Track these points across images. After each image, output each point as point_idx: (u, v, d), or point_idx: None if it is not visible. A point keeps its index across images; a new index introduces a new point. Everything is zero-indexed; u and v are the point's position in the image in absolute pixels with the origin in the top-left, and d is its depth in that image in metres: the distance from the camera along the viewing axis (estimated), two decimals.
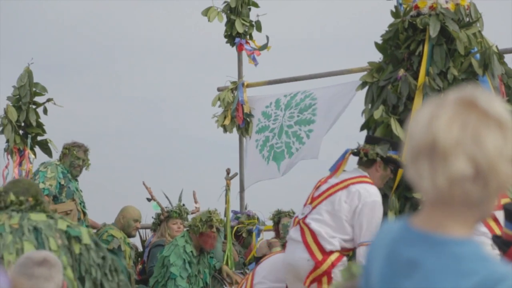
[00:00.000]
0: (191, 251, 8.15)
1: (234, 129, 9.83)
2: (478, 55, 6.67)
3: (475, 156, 1.87)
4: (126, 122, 17.54)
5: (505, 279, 1.85)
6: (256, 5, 10.24)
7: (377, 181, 6.26)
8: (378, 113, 6.60)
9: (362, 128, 6.96)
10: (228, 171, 9.48)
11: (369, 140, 6.35)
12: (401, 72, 6.62)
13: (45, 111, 9.88)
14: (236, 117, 9.75)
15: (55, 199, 8.45)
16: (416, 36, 6.73)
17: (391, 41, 6.84)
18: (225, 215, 9.27)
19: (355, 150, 6.32)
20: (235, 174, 9.56)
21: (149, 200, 9.29)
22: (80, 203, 8.72)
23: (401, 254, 1.96)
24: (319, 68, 9.96)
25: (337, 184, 6.26)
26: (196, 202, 9.57)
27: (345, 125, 10.13)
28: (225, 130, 9.84)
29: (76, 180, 8.80)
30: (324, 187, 6.30)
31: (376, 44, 6.93)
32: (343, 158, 6.32)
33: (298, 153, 9.16)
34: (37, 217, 5.15)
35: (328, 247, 6.04)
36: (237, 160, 10.06)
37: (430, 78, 6.51)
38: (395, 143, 6.29)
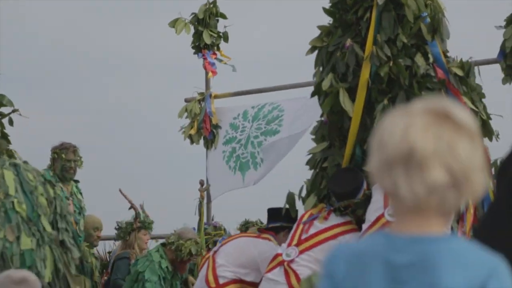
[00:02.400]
0: (167, 267, 8.13)
1: (201, 140, 9.82)
2: (427, 20, 6.56)
3: (450, 165, 1.96)
4: (93, 135, 17.45)
5: (501, 266, 1.99)
6: (224, 17, 10.25)
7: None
8: (326, 84, 6.50)
9: (312, 95, 6.85)
10: (201, 183, 9.48)
11: (341, 196, 6.33)
12: (348, 42, 6.52)
13: (10, 122, 9.79)
14: (203, 129, 9.74)
15: None
16: (364, 2, 6.60)
17: (339, 5, 6.72)
18: (198, 228, 9.26)
19: (336, 207, 6.33)
20: (209, 186, 9.55)
21: (130, 209, 9.17)
22: (77, 209, 8.38)
23: (395, 262, 2.00)
24: (286, 79, 10.00)
25: (325, 230, 6.26)
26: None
27: None
28: (192, 142, 9.82)
29: (76, 181, 8.59)
30: (312, 230, 6.27)
31: (324, 9, 6.83)
32: (326, 212, 6.33)
33: (265, 165, 9.15)
34: (15, 161, 5.89)
35: None
36: (205, 171, 10.04)
37: (378, 47, 6.41)
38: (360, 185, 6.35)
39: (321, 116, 6.81)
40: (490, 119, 6.88)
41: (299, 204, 6.88)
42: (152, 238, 9.26)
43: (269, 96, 9.77)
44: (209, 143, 9.76)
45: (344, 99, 6.39)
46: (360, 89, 6.37)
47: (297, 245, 6.27)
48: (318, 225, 6.30)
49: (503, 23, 8.03)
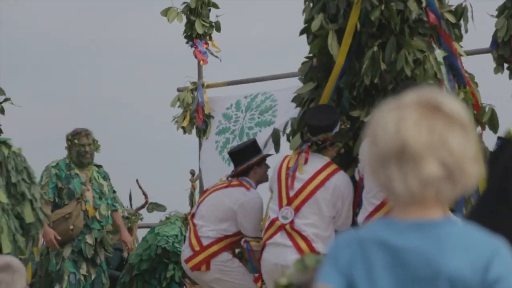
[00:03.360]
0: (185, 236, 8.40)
1: (194, 131, 9.79)
2: None
3: (444, 158, 1.98)
4: (84, 123, 17.40)
5: (503, 248, 2.02)
6: (216, 6, 10.20)
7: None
8: (316, 24, 6.34)
9: (301, 33, 6.71)
10: (192, 173, 9.45)
11: (318, 129, 6.22)
12: None
13: (2, 111, 9.75)
14: (196, 119, 9.70)
15: (55, 205, 7.89)
16: None
17: None
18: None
19: (313, 143, 6.25)
20: (200, 176, 9.54)
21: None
22: (96, 195, 8.16)
23: (397, 246, 2.02)
24: (280, 69, 9.97)
25: (311, 180, 6.17)
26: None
27: None
28: (184, 132, 9.79)
29: (99, 166, 8.38)
30: (297, 185, 6.18)
31: None
32: (304, 152, 6.25)
33: None
34: None
35: (322, 250, 5.90)
36: (197, 161, 10.02)
37: None
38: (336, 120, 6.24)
39: (309, 53, 6.69)
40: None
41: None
42: (140, 227, 9.33)
43: (263, 86, 9.71)
44: (202, 132, 9.72)
45: (332, 42, 6.26)
46: (347, 33, 6.25)
47: (288, 204, 6.17)
48: (300, 177, 6.19)
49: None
